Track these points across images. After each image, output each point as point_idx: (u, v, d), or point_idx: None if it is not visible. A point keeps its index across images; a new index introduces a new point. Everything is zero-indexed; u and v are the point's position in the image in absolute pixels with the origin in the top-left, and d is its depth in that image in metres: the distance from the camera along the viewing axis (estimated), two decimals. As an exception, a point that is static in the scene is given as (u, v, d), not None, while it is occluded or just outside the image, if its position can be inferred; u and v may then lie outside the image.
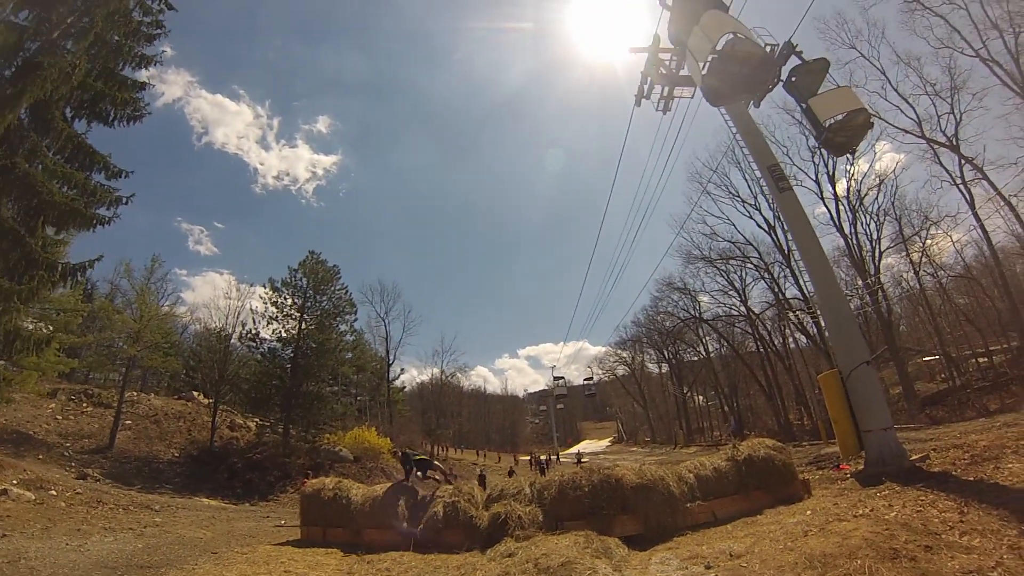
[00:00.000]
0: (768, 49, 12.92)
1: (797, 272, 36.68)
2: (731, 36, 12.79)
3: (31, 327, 18.62)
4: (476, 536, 10.05)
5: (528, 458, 54.14)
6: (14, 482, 16.14)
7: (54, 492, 16.66)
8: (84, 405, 31.85)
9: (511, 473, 24.21)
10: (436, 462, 14.20)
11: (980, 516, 6.28)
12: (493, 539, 9.55)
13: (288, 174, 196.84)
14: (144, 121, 18.38)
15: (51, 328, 23.24)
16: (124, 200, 17.25)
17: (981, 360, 35.07)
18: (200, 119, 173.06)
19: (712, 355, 58.39)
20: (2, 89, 14.16)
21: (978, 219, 30.20)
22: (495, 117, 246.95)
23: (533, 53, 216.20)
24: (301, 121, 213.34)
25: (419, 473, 13.25)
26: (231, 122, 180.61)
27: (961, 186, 30.37)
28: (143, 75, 18.55)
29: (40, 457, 23.24)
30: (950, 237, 34.99)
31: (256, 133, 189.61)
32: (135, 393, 36.55)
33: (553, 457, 56.60)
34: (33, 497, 15.37)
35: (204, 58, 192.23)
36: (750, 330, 47.58)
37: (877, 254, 34.98)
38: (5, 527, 11.94)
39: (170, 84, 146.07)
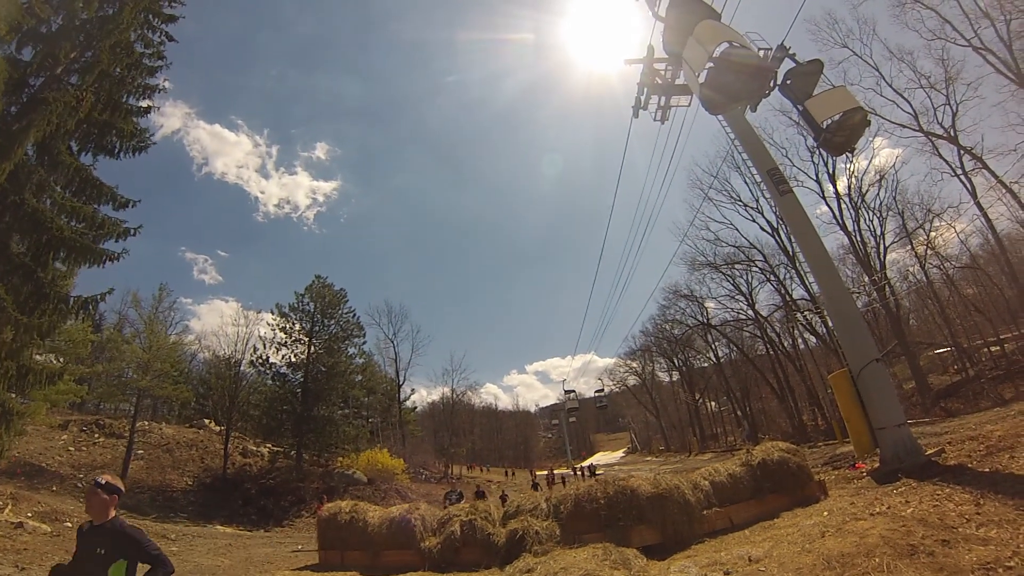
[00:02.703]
0: (762, 54, 13.00)
1: (802, 273, 36.55)
2: (726, 45, 12.85)
3: (41, 359, 18.68)
4: (494, 553, 10.03)
5: (544, 474, 53.06)
6: (29, 515, 16.20)
7: (69, 524, 16.65)
8: (96, 436, 31.90)
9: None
10: None
11: (996, 507, 6.28)
12: (511, 555, 9.53)
13: (289, 202, 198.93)
14: (147, 153, 18.51)
15: (62, 360, 23.34)
16: (132, 232, 17.28)
17: (993, 349, 34.77)
18: (200, 150, 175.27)
19: (722, 360, 58.01)
20: (8, 125, 14.33)
21: (981, 208, 30.10)
22: (492, 132, 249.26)
23: (528, 65, 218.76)
24: (300, 148, 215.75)
25: None
26: (230, 152, 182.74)
27: (962, 176, 30.27)
28: (145, 105, 18.65)
29: (54, 489, 23.28)
30: (954, 228, 34.83)
31: (255, 162, 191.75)
32: (146, 423, 36.58)
33: (556, 472, 54.69)
34: (49, 529, 15.41)
35: (201, 89, 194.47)
36: (759, 333, 47.29)
37: (882, 250, 34.77)
38: (23, 560, 11.97)
39: (168, 116, 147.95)
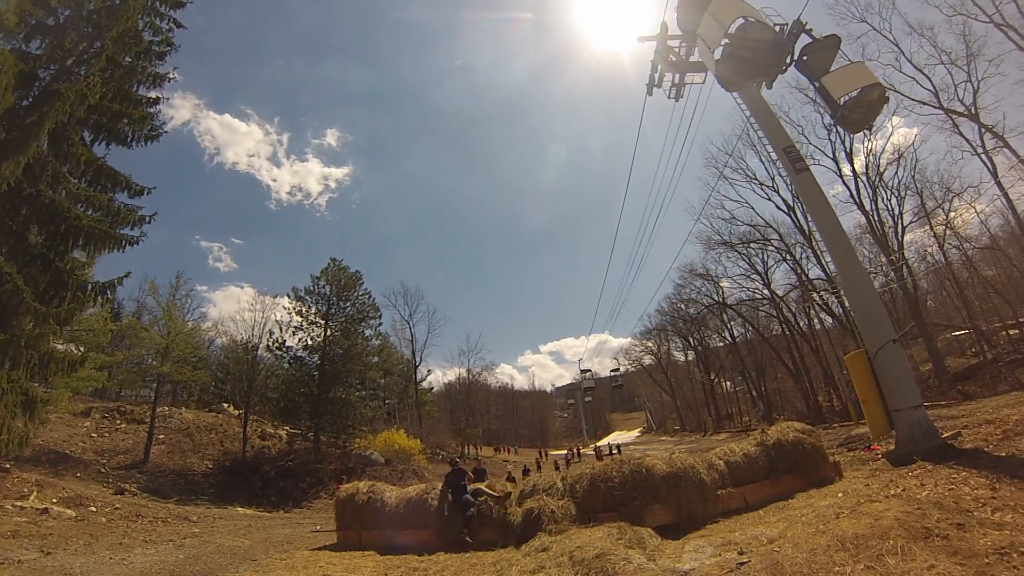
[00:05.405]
0: (778, 29, 12.76)
1: (819, 252, 36.21)
2: (742, 20, 12.62)
3: (62, 347, 18.94)
4: (510, 532, 10.12)
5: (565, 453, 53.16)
6: (54, 500, 16.53)
7: (93, 508, 16.99)
8: (118, 422, 32.41)
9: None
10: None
11: (1012, 491, 6.24)
12: (527, 534, 9.60)
13: (301, 188, 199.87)
14: (159, 142, 18.59)
15: (82, 349, 23.65)
16: (147, 219, 17.49)
17: (1012, 332, 34.34)
18: (211, 140, 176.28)
19: (738, 340, 57.81)
20: (21, 119, 14.43)
21: (1001, 188, 29.55)
22: (502, 114, 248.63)
23: (536, 45, 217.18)
24: (310, 135, 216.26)
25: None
26: (241, 141, 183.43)
27: (982, 155, 29.72)
28: (154, 95, 18.72)
29: (78, 475, 23.70)
30: (974, 208, 34.14)
31: (267, 150, 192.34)
32: (167, 408, 37.09)
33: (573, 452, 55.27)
34: (74, 514, 15.71)
35: (210, 81, 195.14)
36: (775, 313, 46.94)
37: (900, 229, 34.29)
38: (48, 545, 12.20)
39: (178, 108, 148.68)
